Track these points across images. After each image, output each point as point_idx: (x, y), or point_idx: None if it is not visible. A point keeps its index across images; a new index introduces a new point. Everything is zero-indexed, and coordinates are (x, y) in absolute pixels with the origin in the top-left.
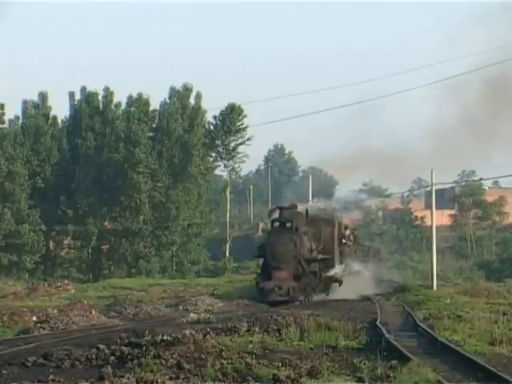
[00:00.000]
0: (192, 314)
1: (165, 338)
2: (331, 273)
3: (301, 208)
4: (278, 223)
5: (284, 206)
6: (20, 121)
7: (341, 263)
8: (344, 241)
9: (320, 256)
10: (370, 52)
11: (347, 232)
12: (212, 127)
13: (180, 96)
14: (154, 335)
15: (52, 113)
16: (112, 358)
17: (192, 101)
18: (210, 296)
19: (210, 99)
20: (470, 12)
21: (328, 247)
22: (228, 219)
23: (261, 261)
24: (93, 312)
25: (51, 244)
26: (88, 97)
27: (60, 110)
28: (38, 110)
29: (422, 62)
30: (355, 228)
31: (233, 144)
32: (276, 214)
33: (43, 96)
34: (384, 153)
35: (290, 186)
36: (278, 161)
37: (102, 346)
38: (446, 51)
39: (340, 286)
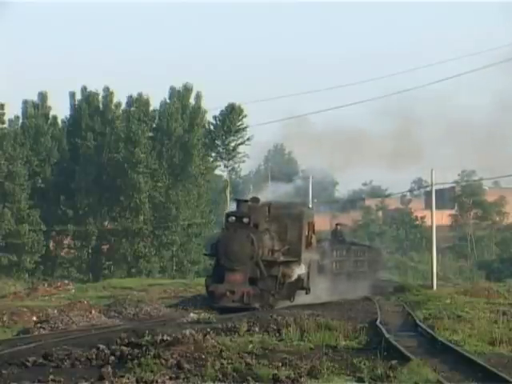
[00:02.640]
0: (192, 314)
1: (165, 338)
2: (296, 277)
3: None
4: (233, 218)
5: (243, 199)
6: (20, 121)
7: (308, 266)
8: (311, 238)
9: (283, 258)
10: (370, 52)
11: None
12: (212, 127)
13: (180, 96)
14: (154, 335)
15: (52, 113)
16: (112, 357)
17: (192, 101)
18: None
19: (210, 99)
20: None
21: (294, 248)
22: None
23: (213, 260)
24: (93, 312)
25: (51, 244)
26: (88, 97)
27: (60, 110)
28: (37, 110)
29: (420, 62)
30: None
31: (233, 144)
32: (233, 208)
33: (43, 96)
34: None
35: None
36: (278, 161)
37: (102, 346)
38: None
39: (307, 293)
